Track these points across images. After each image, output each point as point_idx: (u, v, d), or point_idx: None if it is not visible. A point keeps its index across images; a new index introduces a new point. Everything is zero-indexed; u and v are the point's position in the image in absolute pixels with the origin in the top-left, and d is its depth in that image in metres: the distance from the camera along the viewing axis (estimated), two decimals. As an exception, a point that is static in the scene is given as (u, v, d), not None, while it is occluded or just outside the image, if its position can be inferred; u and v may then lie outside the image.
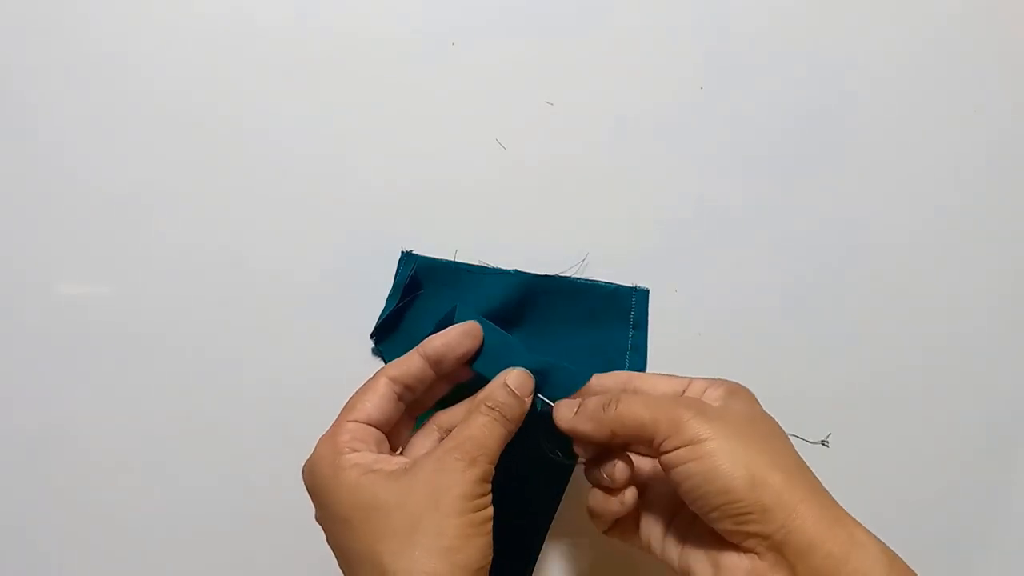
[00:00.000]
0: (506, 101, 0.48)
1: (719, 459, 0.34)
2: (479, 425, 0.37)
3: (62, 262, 0.46)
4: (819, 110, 0.51)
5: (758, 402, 0.40)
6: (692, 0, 0.50)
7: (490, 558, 0.35)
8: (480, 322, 0.41)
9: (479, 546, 0.34)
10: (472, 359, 0.41)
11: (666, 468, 0.36)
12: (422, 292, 0.47)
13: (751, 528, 0.34)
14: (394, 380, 0.39)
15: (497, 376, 0.40)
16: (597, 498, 0.40)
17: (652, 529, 0.41)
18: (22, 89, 0.46)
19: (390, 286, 0.47)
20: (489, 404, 0.38)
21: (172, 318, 0.47)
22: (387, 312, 0.47)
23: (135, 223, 0.46)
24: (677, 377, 0.41)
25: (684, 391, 0.40)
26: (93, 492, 0.47)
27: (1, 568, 0.47)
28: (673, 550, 0.39)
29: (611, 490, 0.40)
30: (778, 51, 0.51)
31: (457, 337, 0.40)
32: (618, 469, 0.39)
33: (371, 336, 0.47)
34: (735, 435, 0.35)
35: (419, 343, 0.42)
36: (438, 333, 0.40)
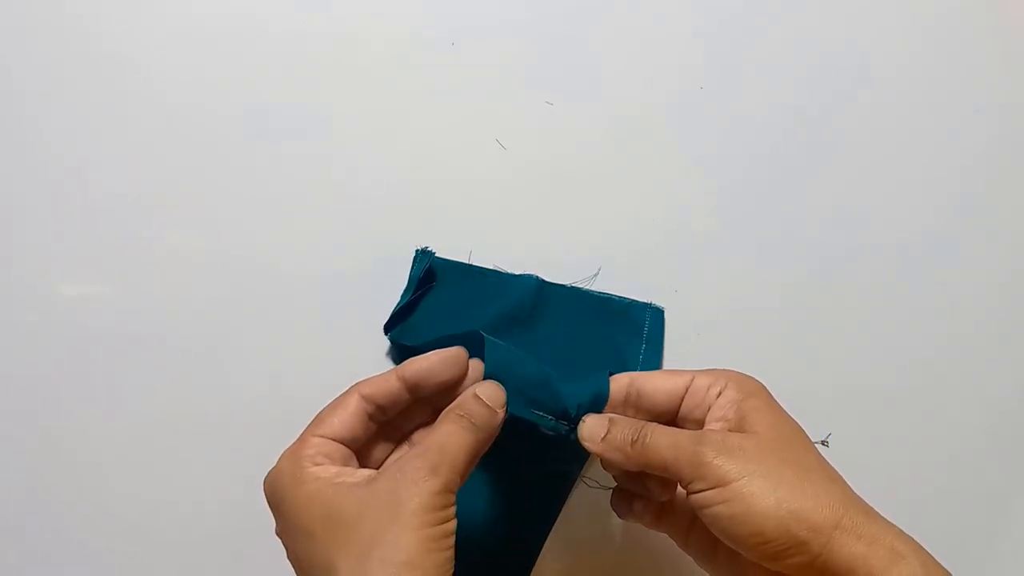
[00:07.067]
0: (506, 101, 0.48)
1: (750, 501, 0.33)
2: (445, 432, 0.35)
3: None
4: (819, 110, 0.51)
5: (770, 394, 0.38)
6: (692, 0, 0.50)
7: (451, 574, 0.33)
8: (506, 351, 0.39)
9: (438, 562, 0.32)
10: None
11: (695, 508, 0.35)
12: (435, 285, 0.47)
13: (789, 561, 0.33)
14: (366, 398, 0.37)
15: (468, 389, 0.38)
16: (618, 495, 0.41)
17: (674, 528, 0.40)
18: (22, 89, 0.46)
19: (393, 292, 0.47)
20: (459, 412, 0.36)
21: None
22: (401, 304, 0.46)
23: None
24: (679, 372, 0.40)
25: (687, 388, 0.39)
26: (94, 493, 0.47)
27: (1, 568, 0.47)
28: (695, 548, 0.39)
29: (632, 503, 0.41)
30: (778, 51, 0.51)
31: (438, 364, 0.38)
32: (637, 511, 0.41)
33: (384, 329, 0.47)
34: (763, 467, 0.34)
35: (431, 336, 0.41)
36: (418, 356, 0.38)
